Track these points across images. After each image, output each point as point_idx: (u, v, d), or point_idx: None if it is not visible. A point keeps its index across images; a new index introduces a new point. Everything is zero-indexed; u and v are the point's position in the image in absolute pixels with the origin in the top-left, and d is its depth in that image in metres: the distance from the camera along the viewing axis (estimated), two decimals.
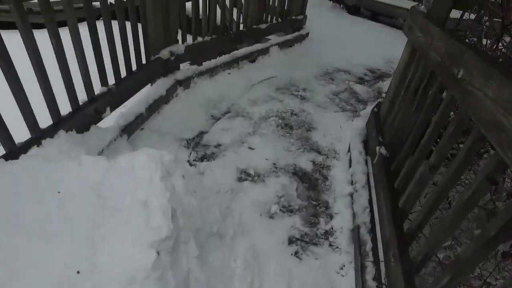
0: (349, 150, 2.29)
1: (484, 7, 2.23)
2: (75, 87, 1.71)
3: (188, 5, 2.72)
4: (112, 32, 1.88)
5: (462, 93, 1.04)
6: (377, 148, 1.80)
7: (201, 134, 2.42)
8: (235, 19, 3.35)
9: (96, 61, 1.83)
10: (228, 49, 3.29)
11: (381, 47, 5.18)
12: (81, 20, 1.58)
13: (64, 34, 1.57)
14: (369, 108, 2.99)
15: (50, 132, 1.56)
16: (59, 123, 1.61)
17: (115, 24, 1.90)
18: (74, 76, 1.69)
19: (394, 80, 2.01)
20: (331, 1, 7.56)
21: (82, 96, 1.81)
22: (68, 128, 1.66)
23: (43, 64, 1.46)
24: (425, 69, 1.49)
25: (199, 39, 2.85)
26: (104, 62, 1.89)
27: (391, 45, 5.39)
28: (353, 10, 7.23)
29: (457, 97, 1.09)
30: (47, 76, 1.50)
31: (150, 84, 2.54)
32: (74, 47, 1.65)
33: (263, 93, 3.10)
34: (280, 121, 2.72)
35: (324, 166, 2.26)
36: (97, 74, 1.88)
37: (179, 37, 2.70)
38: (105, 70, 1.92)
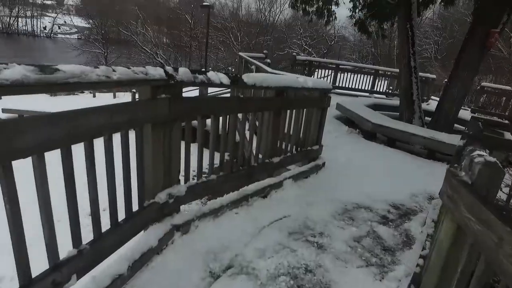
0: None
1: None
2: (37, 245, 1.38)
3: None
4: (96, 180, 1.62)
5: None
6: None
7: None
8: (247, 154, 3.19)
9: (69, 216, 1.53)
10: (237, 187, 3.03)
11: (402, 177, 4.89)
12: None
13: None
14: (399, 269, 2.48)
15: None
16: None
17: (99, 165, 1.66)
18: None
19: (436, 257, 1.58)
20: (347, 126, 7.70)
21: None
22: None
23: None
24: (491, 275, 1.08)
25: (204, 177, 2.62)
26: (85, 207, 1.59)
27: (412, 175, 5.11)
28: (369, 136, 7.26)
29: None
30: None
31: (143, 230, 2.21)
32: (39, 203, 1.36)
33: (273, 240, 2.68)
34: (292, 282, 2.23)
35: None
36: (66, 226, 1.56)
37: None
38: (79, 227, 1.60)
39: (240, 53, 8.76)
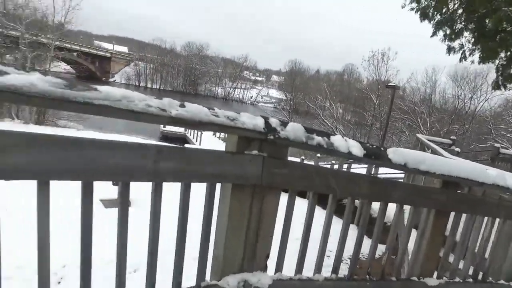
0: None
1: None
2: None
3: None
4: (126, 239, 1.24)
5: None
6: None
7: None
8: (383, 261, 2.22)
9: None
10: None
11: None
12: None
13: None
14: None
15: None
16: None
17: None
18: None
19: None
20: None
21: None
22: None
23: None
24: None
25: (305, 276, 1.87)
26: None
27: None
28: None
29: None
30: None
31: None
32: None
33: None
34: None
35: None
36: None
37: None
38: None
39: (418, 135, 7.55)
